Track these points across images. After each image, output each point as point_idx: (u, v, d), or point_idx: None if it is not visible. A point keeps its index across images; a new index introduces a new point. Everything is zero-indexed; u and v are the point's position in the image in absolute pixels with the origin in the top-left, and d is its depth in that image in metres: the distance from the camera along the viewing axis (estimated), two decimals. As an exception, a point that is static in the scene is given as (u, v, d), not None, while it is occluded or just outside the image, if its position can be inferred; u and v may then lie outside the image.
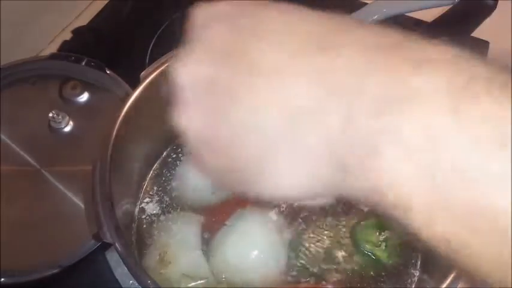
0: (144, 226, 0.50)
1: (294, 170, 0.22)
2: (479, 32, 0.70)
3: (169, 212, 0.51)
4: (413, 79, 0.18)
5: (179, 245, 0.47)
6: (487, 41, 0.78)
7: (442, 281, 0.37)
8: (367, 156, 0.19)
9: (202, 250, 0.47)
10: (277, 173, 0.22)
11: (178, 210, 0.51)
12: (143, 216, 0.51)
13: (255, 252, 0.46)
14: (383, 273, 0.48)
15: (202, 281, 0.46)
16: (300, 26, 0.23)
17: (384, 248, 0.48)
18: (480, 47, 0.78)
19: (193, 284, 0.45)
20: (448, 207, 0.17)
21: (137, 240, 0.49)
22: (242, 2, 0.25)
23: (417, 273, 0.48)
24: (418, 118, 0.18)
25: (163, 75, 0.46)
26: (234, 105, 0.22)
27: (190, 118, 0.24)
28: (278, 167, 0.22)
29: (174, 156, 0.55)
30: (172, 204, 0.51)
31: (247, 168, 0.23)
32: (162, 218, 0.50)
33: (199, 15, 0.25)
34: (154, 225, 0.50)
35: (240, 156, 0.23)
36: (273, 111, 0.21)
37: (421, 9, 0.72)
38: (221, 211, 0.50)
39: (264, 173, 0.22)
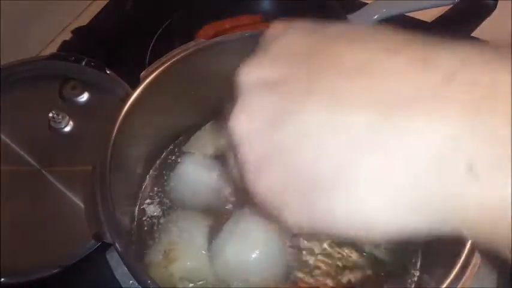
0: (145, 226, 0.50)
1: (383, 186, 0.17)
2: (479, 32, 0.71)
3: (168, 214, 0.50)
4: None
5: (186, 244, 0.47)
6: (487, 41, 0.78)
7: (442, 281, 0.37)
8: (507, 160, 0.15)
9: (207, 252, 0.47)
10: (358, 190, 0.18)
11: (179, 210, 0.50)
12: (143, 216, 0.51)
13: (255, 254, 0.46)
14: (383, 273, 0.48)
15: (201, 282, 0.46)
16: (387, 34, 0.20)
17: (383, 247, 0.48)
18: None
19: (192, 285, 0.45)
20: None
21: (137, 240, 0.49)
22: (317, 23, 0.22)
23: (417, 273, 0.48)
24: None
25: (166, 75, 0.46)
26: (310, 104, 0.18)
27: (250, 121, 0.20)
28: (361, 181, 0.17)
29: (174, 156, 0.55)
30: (172, 205, 0.51)
31: (316, 187, 0.18)
32: (161, 218, 0.50)
33: (274, 27, 0.23)
34: (155, 226, 0.50)
35: (310, 168, 0.18)
36: (364, 110, 0.17)
37: (421, 9, 0.72)
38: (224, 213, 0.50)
39: (339, 190, 0.18)
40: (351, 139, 0.17)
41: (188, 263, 0.46)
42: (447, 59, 0.17)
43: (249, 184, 0.21)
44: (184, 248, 0.47)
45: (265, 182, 0.20)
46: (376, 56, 0.18)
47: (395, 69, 0.18)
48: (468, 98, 0.16)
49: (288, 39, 0.21)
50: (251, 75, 0.21)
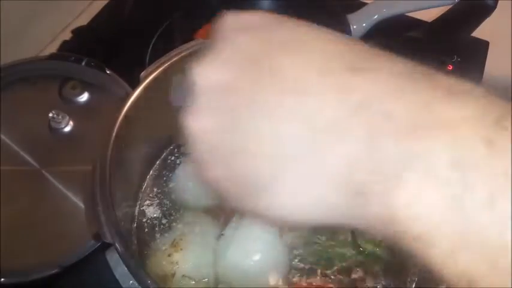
0: (144, 226, 0.50)
1: (304, 190, 0.20)
2: (479, 32, 0.71)
3: (170, 215, 0.51)
4: (442, 107, 0.18)
5: (197, 237, 0.47)
6: (487, 41, 0.79)
7: (442, 281, 0.37)
8: (389, 182, 0.18)
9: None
10: (284, 190, 0.21)
11: (181, 211, 0.50)
12: (143, 217, 0.51)
13: (255, 259, 0.46)
14: (383, 273, 0.48)
15: (203, 281, 0.46)
16: (330, 44, 0.22)
17: (384, 246, 0.48)
18: (480, 47, 0.78)
19: (193, 283, 0.45)
20: (474, 241, 0.17)
21: (138, 239, 0.49)
22: (270, 15, 0.24)
23: (416, 272, 0.48)
24: (447, 146, 0.17)
25: (166, 75, 0.46)
26: (252, 113, 0.21)
27: (201, 121, 0.23)
28: (287, 184, 0.21)
29: (173, 157, 0.55)
30: (172, 206, 0.51)
31: (252, 181, 0.22)
32: (162, 218, 0.50)
33: (226, 22, 0.24)
34: (156, 228, 0.50)
35: (247, 167, 0.22)
36: (294, 124, 0.20)
37: (421, 9, 0.72)
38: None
39: (269, 190, 0.21)
40: (282, 147, 0.21)
41: (193, 255, 0.46)
42: (366, 89, 0.19)
43: (199, 174, 0.24)
44: (194, 240, 0.47)
45: (211, 174, 0.23)
46: (308, 75, 0.21)
47: (320, 92, 0.20)
48: (376, 127, 0.19)
49: (239, 42, 0.23)
50: (203, 76, 0.23)
